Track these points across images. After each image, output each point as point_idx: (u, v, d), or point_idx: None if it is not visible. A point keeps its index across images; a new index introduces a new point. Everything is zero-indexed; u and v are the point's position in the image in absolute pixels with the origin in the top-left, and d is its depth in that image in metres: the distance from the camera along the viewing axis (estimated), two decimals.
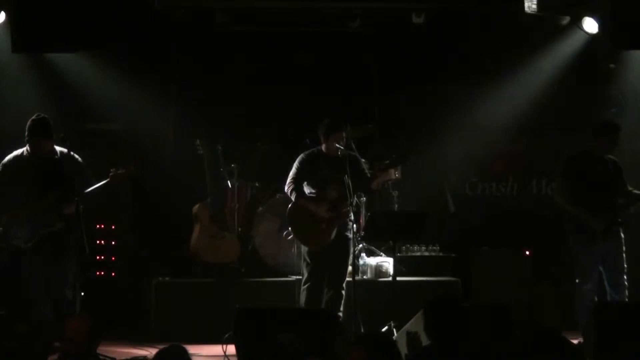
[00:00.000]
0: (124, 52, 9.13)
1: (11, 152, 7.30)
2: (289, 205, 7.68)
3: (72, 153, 7.18)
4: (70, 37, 8.08)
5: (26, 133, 7.16)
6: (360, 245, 8.47)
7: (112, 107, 9.24)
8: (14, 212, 7.03)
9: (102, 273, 8.88)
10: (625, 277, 7.60)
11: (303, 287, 7.61)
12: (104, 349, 6.87)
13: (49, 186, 7.08)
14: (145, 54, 9.32)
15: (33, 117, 7.19)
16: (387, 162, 7.97)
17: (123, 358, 7.17)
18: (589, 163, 7.63)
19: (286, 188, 7.70)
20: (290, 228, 7.81)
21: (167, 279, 8.53)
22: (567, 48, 9.37)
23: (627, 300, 7.54)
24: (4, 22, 8.21)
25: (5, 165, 7.23)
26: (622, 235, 7.63)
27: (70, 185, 7.05)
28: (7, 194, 7.10)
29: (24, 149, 7.22)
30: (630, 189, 7.70)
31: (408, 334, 5.26)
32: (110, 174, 7.26)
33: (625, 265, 7.61)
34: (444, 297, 4.86)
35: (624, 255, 7.62)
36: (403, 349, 5.03)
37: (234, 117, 9.45)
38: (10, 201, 7.07)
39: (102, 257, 8.87)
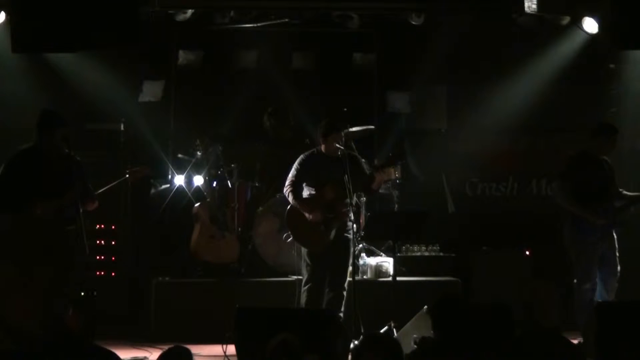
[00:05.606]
0: (123, 52, 9.12)
1: (12, 151, 7.16)
2: (287, 208, 7.67)
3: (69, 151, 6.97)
4: (70, 37, 8.07)
5: (46, 125, 6.84)
6: (360, 245, 8.47)
7: (112, 107, 9.24)
8: (46, 204, 6.74)
9: (102, 273, 8.87)
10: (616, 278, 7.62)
11: (303, 288, 7.59)
12: None
13: (68, 182, 6.83)
14: (145, 54, 9.32)
15: (44, 111, 6.98)
16: (384, 161, 7.95)
17: (123, 358, 7.16)
18: (589, 163, 7.62)
19: (284, 190, 7.67)
20: (289, 230, 7.80)
21: (167, 279, 8.53)
22: (567, 48, 9.38)
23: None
24: (4, 22, 8.20)
25: (20, 159, 6.91)
26: (615, 236, 7.62)
27: (86, 181, 6.94)
28: (26, 188, 6.80)
29: (31, 144, 6.93)
30: (620, 190, 7.71)
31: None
32: (128, 171, 7.17)
33: (619, 268, 7.61)
34: (449, 296, 4.90)
35: (617, 257, 7.62)
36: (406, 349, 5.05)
37: (234, 117, 9.45)
38: (31, 196, 6.76)
39: (102, 257, 8.86)
